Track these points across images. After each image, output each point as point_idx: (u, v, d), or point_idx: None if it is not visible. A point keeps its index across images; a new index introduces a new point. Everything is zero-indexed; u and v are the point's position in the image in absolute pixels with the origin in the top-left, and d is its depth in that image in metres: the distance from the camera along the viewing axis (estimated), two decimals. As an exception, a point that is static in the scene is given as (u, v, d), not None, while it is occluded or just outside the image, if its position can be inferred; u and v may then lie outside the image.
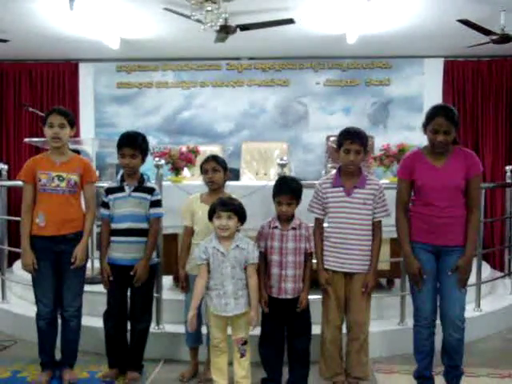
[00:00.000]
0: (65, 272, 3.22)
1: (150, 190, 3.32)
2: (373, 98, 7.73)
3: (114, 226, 3.29)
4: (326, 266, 3.11)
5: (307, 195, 3.20)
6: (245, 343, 3.03)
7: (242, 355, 3.02)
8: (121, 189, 3.30)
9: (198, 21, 5.52)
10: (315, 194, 3.19)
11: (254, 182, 5.42)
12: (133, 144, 3.26)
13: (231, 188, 3.43)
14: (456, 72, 7.56)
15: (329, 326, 3.14)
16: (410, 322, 3.83)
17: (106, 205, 3.32)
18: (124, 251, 3.27)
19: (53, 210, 3.16)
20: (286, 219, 3.10)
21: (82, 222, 3.25)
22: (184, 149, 4.55)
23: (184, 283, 3.30)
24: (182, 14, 5.47)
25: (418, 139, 7.11)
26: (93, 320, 3.80)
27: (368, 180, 3.11)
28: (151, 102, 7.89)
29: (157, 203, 3.33)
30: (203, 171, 3.29)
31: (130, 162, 3.26)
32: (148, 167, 7.38)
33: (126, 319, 3.37)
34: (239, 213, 2.99)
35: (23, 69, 7.83)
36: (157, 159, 3.95)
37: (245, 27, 5.79)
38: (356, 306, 3.09)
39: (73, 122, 3.28)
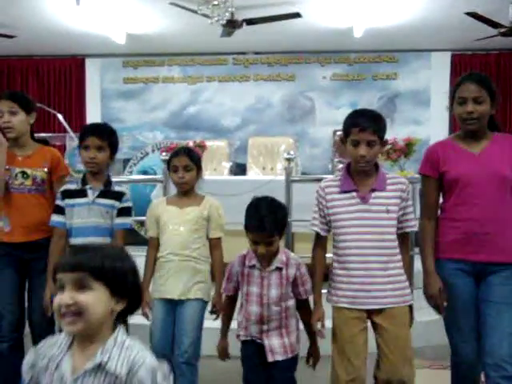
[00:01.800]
0: (34, 281, 2.67)
1: (119, 195, 2.58)
2: (380, 92, 7.70)
3: (72, 241, 2.55)
4: (339, 304, 2.19)
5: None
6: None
7: None
8: (82, 192, 2.54)
9: (205, 15, 5.51)
10: (316, 201, 2.27)
11: (260, 177, 5.41)
12: (100, 133, 2.53)
13: (238, 183, 3.41)
14: (464, 65, 7.52)
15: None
16: (418, 316, 3.82)
17: (59, 210, 2.56)
18: None
19: (19, 213, 2.61)
20: (267, 257, 2.21)
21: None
22: (191, 144, 4.55)
23: (147, 308, 2.56)
24: (188, 9, 5.47)
25: (426, 133, 7.17)
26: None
27: (389, 179, 2.20)
28: (157, 97, 7.90)
29: (125, 211, 2.59)
30: (172, 168, 2.59)
31: (95, 156, 2.51)
32: (155, 162, 7.42)
33: None
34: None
35: (30, 64, 7.86)
36: (164, 154, 3.94)
37: (251, 21, 5.78)
38: (396, 354, 2.14)
39: (29, 106, 2.67)
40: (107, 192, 2.56)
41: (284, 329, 2.24)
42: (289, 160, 3.81)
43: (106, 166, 2.61)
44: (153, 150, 7.67)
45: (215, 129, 7.79)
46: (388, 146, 4.34)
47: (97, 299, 1.29)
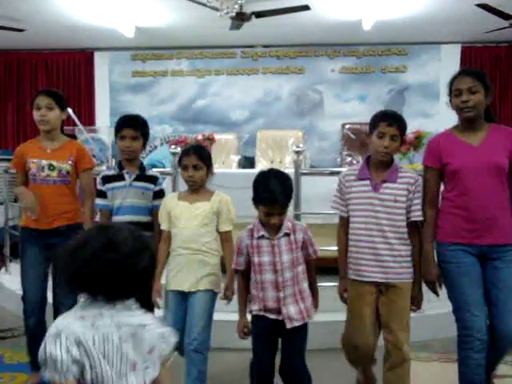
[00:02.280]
0: (56, 269, 2.93)
1: (154, 179, 2.90)
2: (389, 85, 7.67)
3: (114, 219, 2.85)
4: (351, 276, 2.50)
5: (326, 184, 2.97)
6: None
7: None
8: (120, 177, 2.85)
9: (214, 8, 5.50)
10: (338, 187, 2.58)
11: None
12: (134, 125, 2.83)
13: (247, 176, 3.39)
14: (474, 58, 7.47)
15: (354, 353, 2.56)
16: (426, 309, 3.83)
17: (102, 194, 2.87)
18: None
19: (44, 203, 2.88)
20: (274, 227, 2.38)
21: (76, 214, 2.96)
22: (200, 137, 4.56)
23: (157, 297, 2.68)
24: (197, 2, 5.46)
25: (435, 126, 7.12)
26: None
27: (401, 173, 2.46)
28: (166, 91, 7.90)
29: (160, 193, 2.90)
30: (182, 167, 2.70)
31: (130, 145, 2.80)
32: (163, 156, 7.44)
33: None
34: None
35: (39, 58, 7.89)
36: (173, 147, 3.94)
37: (260, 14, 5.77)
38: (394, 323, 2.44)
39: (63, 103, 2.97)
40: (142, 176, 2.86)
41: (299, 295, 2.38)
42: (298, 153, 3.81)
43: (140, 153, 2.92)
44: (161, 144, 7.71)
45: (224, 122, 7.79)
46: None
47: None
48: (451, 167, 2.42)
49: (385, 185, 2.44)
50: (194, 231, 2.63)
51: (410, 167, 4.21)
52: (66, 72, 7.91)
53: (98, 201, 2.88)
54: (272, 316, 2.36)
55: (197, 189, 2.69)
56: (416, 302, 2.49)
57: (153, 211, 2.86)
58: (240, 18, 5.75)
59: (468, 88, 2.35)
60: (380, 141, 2.41)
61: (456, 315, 2.43)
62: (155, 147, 7.74)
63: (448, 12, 6.21)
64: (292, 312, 2.34)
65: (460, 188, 2.40)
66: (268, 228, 2.36)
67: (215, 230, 2.68)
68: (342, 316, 2.67)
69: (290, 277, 2.36)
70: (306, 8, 5.63)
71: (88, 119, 7.63)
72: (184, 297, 2.65)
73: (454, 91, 2.41)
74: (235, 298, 2.64)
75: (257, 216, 2.41)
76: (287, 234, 2.37)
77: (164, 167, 7.16)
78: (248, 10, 5.69)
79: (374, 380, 2.67)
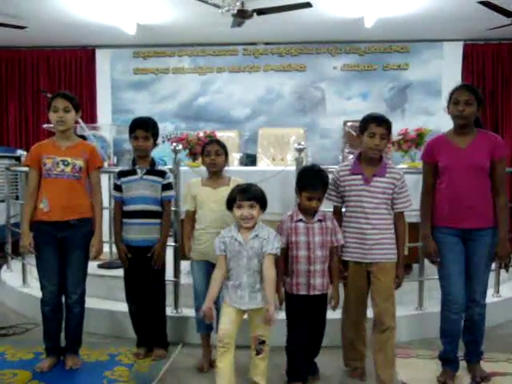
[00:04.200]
0: (68, 258, 3.20)
1: (162, 173, 3.36)
2: (390, 82, 7.66)
3: (126, 208, 3.33)
4: (344, 258, 2.98)
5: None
6: (262, 342, 2.76)
7: (258, 353, 2.75)
8: (133, 172, 3.34)
9: (215, 5, 5.49)
10: (332, 181, 3.01)
11: (271, 168, 5.41)
12: (145, 126, 3.32)
13: (248, 173, 3.43)
14: (476, 55, 7.46)
15: (349, 319, 3.07)
16: (428, 307, 3.83)
17: (118, 188, 3.36)
18: (137, 233, 3.31)
19: (57, 196, 3.14)
20: (311, 212, 2.89)
21: (86, 208, 3.22)
22: (201, 134, 4.55)
23: (189, 250, 3.29)
24: (198, -1, 5.45)
25: (437, 124, 7.12)
26: (112, 304, 3.86)
27: (389, 168, 2.94)
28: (168, 88, 7.90)
29: (168, 186, 3.37)
30: (206, 153, 3.24)
31: (143, 144, 3.31)
32: (165, 153, 7.43)
33: (145, 299, 3.41)
34: (261, 200, 2.77)
35: (41, 55, 7.89)
36: (174, 144, 3.94)
37: (261, 11, 5.76)
38: (382, 294, 2.93)
39: (78, 106, 3.28)
40: (152, 171, 3.34)
41: (324, 271, 2.88)
42: (299, 150, 3.80)
43: (151, 150, 3.39)
44: (163, 141, 7.70)
45: (225, 119, 7.79)
46: (399, 137, 4.36)
47: (257, 212, 2.73)
48: (441, 164, 2.93)
49: (375, 179, 2.90)
50: (219, 213, 3.10)
51: (412, 165, 4.21)
52: (67, 69, 7.91)
53: (114, 193, 3.38)
54: (302, 292, 2.86)
55: (216, 172, 3.22)
56: (398, 279, 2.96)
57: (163, 201, 3.34)
58: (242, 16, 5.73)
59: (465, 100, 2.84)
60: (371, 140, 2.85)
61: (440, 283, 3.01)
62: (157, 144, 7.74)
63: (450, 9, 6.19)
64: (317, 283, 2.86)
65: (448, 182, 2.91)
66: (305, 214, 2.87)
67: None
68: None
69: (320, 255, 2.85)
70: (307, 5, 5.62)
71: (90, 116, 7.63)
72: (210, 265, 3.08)
73: (453, 100, 2.88)
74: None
75: (296, 204, 2.99)
76: (320, 220, 2.87)
77: (165, 164, 7.16)
78: (250, 7, 5.68)
79: (363, 357, 3.13)
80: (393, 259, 2.94)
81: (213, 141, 3.36)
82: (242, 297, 2.73)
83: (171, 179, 3.41)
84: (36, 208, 3.16)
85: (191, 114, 7.88)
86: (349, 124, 6.73)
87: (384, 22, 6.60)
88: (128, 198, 3.33)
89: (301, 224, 2.87)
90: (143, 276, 3.37)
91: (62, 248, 3.19)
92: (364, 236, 2.91)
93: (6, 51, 7.91)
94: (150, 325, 3.45)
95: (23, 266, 4.67)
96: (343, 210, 3.04)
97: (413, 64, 7.60)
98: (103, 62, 7.91)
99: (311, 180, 2.84)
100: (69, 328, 3.29)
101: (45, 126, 5.53)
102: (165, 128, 7.84)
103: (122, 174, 3.36)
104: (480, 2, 5.40)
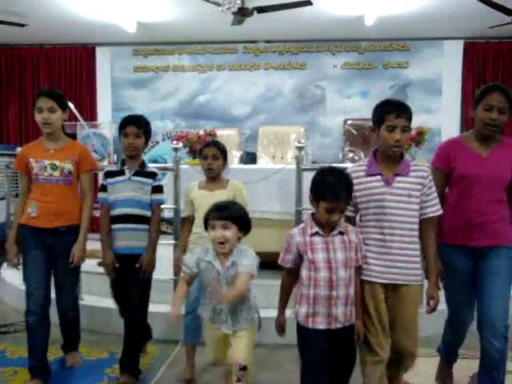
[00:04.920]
0: (57, 266, 3.01)
1: (152, 175, 3.04)
2: (391, 80, 7.64)
3: (111, 212, 3.01)
4: (362, 277, 2.38)
5: None
6: (243, 368, 2.38)
7: (239, 380, 2.40)
8: (121, 172, 3.03)
9: (215, 3, 5.49)
10: None
11: (271, 166, 5.40)
12: (137, 123, 3.01)
13: (248, 172, 3.42)
14: (476, 54, 7.45)
15: (375, 358, 2.39)
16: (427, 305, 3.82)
17: (104, 188, 3.04)
18: (124, 239, 2.99)
19: (45, 201, 2.93)
20: (330, 225, 2.29)
21: (76, 215, 3.00)
22: (201, 132, 4.56)
23: (179, 267, 2.97)
24: (198, -3, 5.45)
25: (437, 122, 7.12)
26: (112, 301, 3.86)
27: (413, 166, 2.38)
28: (168, 86, 7.89)
29: (158, 189, 3.06)
30: (203, 156, 3.04)
31: (134, 142, 2.98)
32: (165, 151, 7.42)
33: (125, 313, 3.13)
34: (239, 220, 2.37)
35: (41, 53, 7.88)
36: (174, 142, 3.95)
37: (262, 9, 5.75)
38: (405, 327, 2.39)
39: (64, 104, 3.00)
40: (142, 171, 3.03)
41: (349, 298, 2.28)
42: (299, 149, 3.80)
43: (142, 149, 3.09)
44: (163, 139, 7.70)
45: (225, 118, 7.78)
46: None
47: (233, 234, 2.32)
48: (457, 172, 2.54)
49: (397, 179, 2.34)
50: None
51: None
52: (67, 67, 7.89)
53: (100, 195, 3.05)
54: (321, 325, 2.26)
55: (214, 177, 3.04)
56: (433, 301, 2.42)
57: (152, 205, 3.04)
58: (242, 13, 5.73)
59: (500, 107, 2.44)
60: (390, 134, 2.30)
61: (446, 304, 2.73)
62: (157, 143, 7.74)
63: (450, 7, 6.19)
64: (340, 313, 2.26)
65: (463, 192, 2.54)
66: (321, 226, 2.26)
67: None
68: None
69: (343, 276, 2.24)
70: (308, 3, 5.61)
71: (90, 114, 7.63)
72: None
73: (484, 104, 2.46)
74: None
75: (309, 214, 2.35)
76: (341, 233, 2.28)
77: (166, 162, 7.17)
78: (250, 5, 5.68)
79: None
80: (419, 281, 2.40)
81: (211, 143, 3.13)
82: (225, 320, 2.42)
83: (162, 181, 3.12)
84: (25, 212, 2.98)
85: (191, 112, 7.87)
86: (349, 122, 6.71)
87: (384, 20, 6.60)
88: (114, 201, 3.00)
89: (318, 238, 2.26)
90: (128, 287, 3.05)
91: (51, 255, 2.99)
92: (388, 250, 2.34)
93: (6, 49, 7.90)
94: (124, 344, 3.02)
95: (23, 263, 4.67)
96: (357, 219, 2.52)
97: (413, 62, 7.59)
98: (103, 60, 7.90)
99: (333, 187, 2.21)
100: (65, 332, 3.23)
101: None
102: (165, 126, 7.84)
103: (108, 175, 3.05)
104: (480, 0, 5.39)
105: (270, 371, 3.21)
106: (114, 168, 3.13)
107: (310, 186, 2.29)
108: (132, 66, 7.90)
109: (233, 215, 2.34)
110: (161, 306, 3.52)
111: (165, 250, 3.45)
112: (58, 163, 2.94)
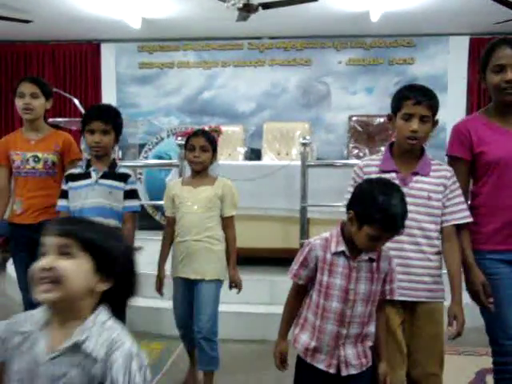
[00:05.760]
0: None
1: (124, 177, 2.57)
2: (396, 77, 7.61)
3: None
4: None
5: (332, 176, 2.95)
6: None
7: None
8: (86, 175, 2.55)
9: (220, -1, 5.48)
10: (353, 180, 2.06)
11: (276, 162, 5.40)
12: (104, 117, 2.54)
13: (253, 168, 3.41)
14: (482, 50, 7.39)
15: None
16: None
17: (64, 194, 2.59)
18: None
19: (29, 196, 2.77)
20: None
21: None
22: (206, 128, 4.55)
23: (160, 284, 2.74)
24: (203, -7, 5.44)
25: (442, 119, 7.06)
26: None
27: (434, 165, 2.01)
28: (173, 82, 7.89)
29: (133, 194, 2.58)
30: (189, 147, 2.64)
31: (100, 140, 2.52)
32: (170, 147, 7.43)
33: None
34: (86, 242, 1.47)
35: (46, 49, 7.89)
36: (179, 139, 3.95)
37: (267, 5, 5.74)
38: (425, 350, 1.97)
39: (48, 92, 2.82)
40: (111, 173, 2.56)
41: (362, 336, 1.83)
42: (304, 145, 3.80)
43: (112, 148, 2.65)
44: (168, 135, 7.70)
45: (230, 114, 7.77)
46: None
47: (78, 269, 1.16)
48: (487, 157, 2.00)
49: (415, 178, 1.98)
50: (199, 215, 2.61)
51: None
52: (72, 63, 7.90)
53: (59, 202, 2.60)
54: (321, 365, 1.81)
55: (200, 171, 2.67)
56: (458, 322, 1.96)
57: (124, 214, 2.56)
58: (247, 10, 5.71)
59: None
60: (406, 124, 1.94)
61: (488, 328, 2.08)
62: (162, 139, 7.74)
63: (456, 3, 6.15)
64: (350, 355, 1.80)
65: (499, 183, 2.00)
66: (350, 244, 1.77)
67: (219, 215, 2.68)
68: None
69: (361, 313, 1.79)
70: (313, -1, 5.59)
71: (95, 111, 7.63)
72: (190, 284, 2.66)
73: (493, 66, 1.98)
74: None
75: (339, 224, 1.84)
76: (371, 260, 1.79)
77: (171, 159, 7.17)
78: (255, 1, 5.66)
79: None
80: (441, 299, 2.03)
81: (199, 133, 2.70)
82: None
83: (135, 185, 2.64)
84: (11, 209, 2.85)
85: (196, 108, 7.87)
86: (354, 119, 6.70)
87: (390, 16, 6.56)
88: (79, 209, 2.52)
89: (341, 260, 1.78)
90: None
91: (39, 251, 2.89)
92: (405, 262, 1.94)
93: (11, 45, 7.91)
94: None
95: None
96: None
97: (418, 58, 7.55)
98: (108, 57, 7.90)
99: (390, 212, 1.68)
100: None
101: (50, 120, 5.54)
102: (170, 122, 7.84)
103: (70, 178, 2.59)
104: (487, -4, 5.37)
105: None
106: (77, 170, 2.62)
107: (354, 199, 1.79)
108: (137, 62, 7.89)
109: (73, 232, 1.24)
110: (164, 303, 3.52)
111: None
112: (40, 155, 2.75)
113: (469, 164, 2.06)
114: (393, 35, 7.49)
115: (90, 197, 2.52)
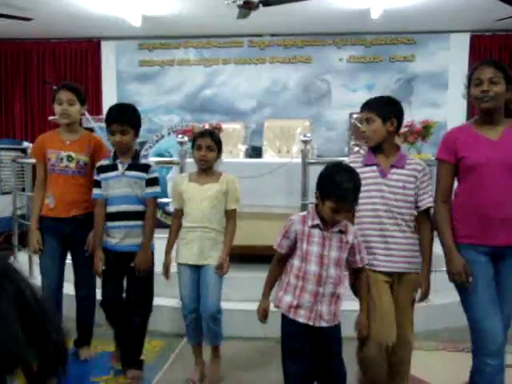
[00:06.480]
0: (76, 254, 3.15)
1: (146, 167, 2.93)
2: (397, 74, 7.61)
3: (108, 209, 2.94)
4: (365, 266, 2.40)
5: None
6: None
7: None
8: (114, 167, 2.92)
9: (221, -4, 5.47)
10: None
11: (277, 160, 5.40)
12: (121, 119, 2.86)
13: (253, 166, 3.42)
14: (483, 47, 7.40)
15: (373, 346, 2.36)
16: (434, 298, 3.82)
17: (97, 184, 2.95)
18: (120, 236, 2.92)
19: (62, 192, 3.07)
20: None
21: (92, 203, 3.04)
22: (207, 126, 4.56)
23: (167, 270, 2.94)
24: (203, -10, 5.43)
25: (443, 116, 7.09)
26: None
27: (408, 160, 2.46)
28: (173, 80, 7.89)
29: (153, 181, 2.94)
30: (196, 147, 2.88)
31: (121, 140, 2.86)
32: (170, 145, 7.43)
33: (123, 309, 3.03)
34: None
35: (46, 47, 7.89)
36: (180, 136, 3.95)
37: (267, 3, 5.72)
38: (401, 316, 2.40)
39: (83, 98, 3.14)
40: (135, 165, 2.91)
41: (336, 297, 2.26)
42: (305, 142, 3.80)
43: (133, 143, 2.96)
44: (168, 133, 7.71)
45: (231, 111, 7.77)
46: (405, 129, 4.33)
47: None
48: (467, 162, 2.29)
49: (392, 170, 2.41)
50: (206, 212, 2.83)
51: (418, 157, 4.20)
52: (72, 61, 7.90)
53: (94, 191, 2.96)
54: (302, 319, 2.24)
55: (206, 169, 2.89)
56: (425, 292, 2.45)
57: (146, 199, 2.94)
58: (247, 7, 5.70)
59: (489, 78, 2.26)
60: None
61: (468, 316, 2.35)
62: (162, 136, 7.75)
63: (457, 0, 6.14)
64: (324, 311, 2.24)
65: (476, 185, 2.27)
66: (323, 219, 2.22)
67: (224, 209, 2.90)
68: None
69: (334, 275, 2.24)
70: (313, -4, 5.58)
71: (95, 108, 7.62)
72: (195, 269, 2.87)
73: (474, 80, 2.30)
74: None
75: (313, 204, 2.32)
76: (341, 232, 2.25)
77: (171, 156, 7.17)
78: (255, -2, 5.66)
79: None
80: (419, 269, 2.45)
81: (206, 133, 2.94)
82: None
83: (156, 173, 2.97)
84: (43, 203, 3.12)
85: (197, 105, 7.86)
86: (354, 116, 6.70)
87: (390, 13, 6.56)
88: (109, 198, 2.93)
89: (316, 231, 2.24)
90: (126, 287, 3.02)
91: (70, 244, 3.13)
92: (387, 239, 2.40)
93: (11, 43, 7.91)
94: (125, 343, 3.07)
95: (30, 257, 4.70)
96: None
97: (419, 56, 7.55)
98: (109, 54, 7.90)
99: (341, 188, 2.14)
100: (79, 321, 3.28)
101: (50, 118, 5.54)
102: (170, 120, 7.84)
103: (101, 169, 2.95)
104: (487, -7, 5.36)
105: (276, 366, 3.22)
106: (105, 162, 2.97)
107: (317, 182, 2.25)
108: (137, 59, 7.89)
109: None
110: (166, 300, 3.53)
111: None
112: (73, 155, 3.07)
113: (453, 166, 2.36)
114: (393, 32, 7.48)
115: (117, 187, 2.90)
